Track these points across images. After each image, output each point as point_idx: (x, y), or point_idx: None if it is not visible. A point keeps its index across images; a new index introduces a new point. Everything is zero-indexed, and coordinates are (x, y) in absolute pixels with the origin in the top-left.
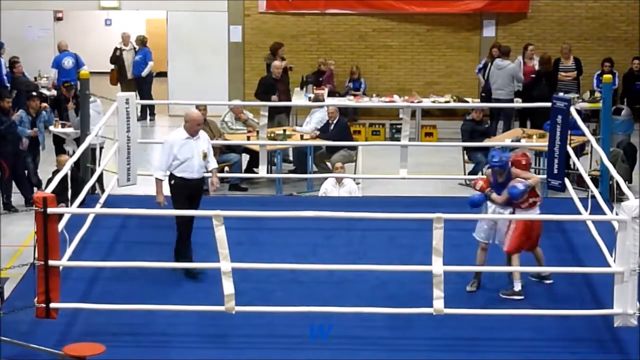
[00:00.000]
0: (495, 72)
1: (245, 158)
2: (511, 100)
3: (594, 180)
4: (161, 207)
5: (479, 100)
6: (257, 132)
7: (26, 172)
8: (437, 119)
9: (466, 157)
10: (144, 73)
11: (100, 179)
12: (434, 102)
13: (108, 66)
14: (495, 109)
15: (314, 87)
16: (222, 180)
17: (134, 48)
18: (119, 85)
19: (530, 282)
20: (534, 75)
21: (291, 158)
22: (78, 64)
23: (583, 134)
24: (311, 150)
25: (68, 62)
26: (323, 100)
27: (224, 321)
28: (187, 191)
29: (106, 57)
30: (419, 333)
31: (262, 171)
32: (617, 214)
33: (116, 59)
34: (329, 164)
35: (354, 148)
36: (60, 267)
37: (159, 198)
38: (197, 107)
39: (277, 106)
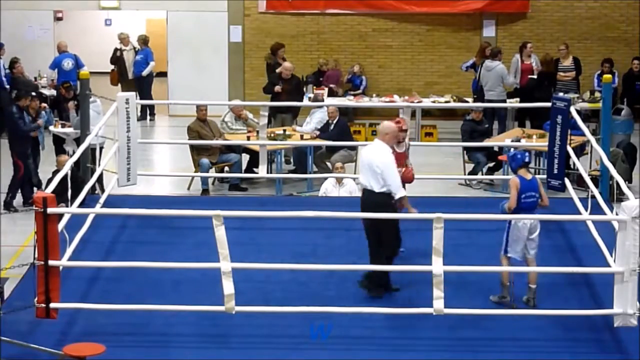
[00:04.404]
0: (485, 73)
1: (245, 158)
2: (503, 101)
3: (594, 180)
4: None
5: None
6: (257, 132)
7: None
8: (437, 119)
9: (466, 157)
10: (145, 73)
11: (100, 179)
12: (434, 102)
13: (108, 66)
14: (488, 109)
15: (314, 87)
16: (222, 180)
17: (134, 48)
18: (119, 85)
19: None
20: (534, 76)
21: (291, 158)
22: (78, 64)
23: (583, 134)
24: (311, 150)
25: (68, 64)
26: (323, 100)
27: (224, 321)
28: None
29: (106, 57)
30: (419, 333)
31: (262, 171)
32: (617, 214)
33: (116, 59)
34: (329, 164)
35: (354, 148)
36: (60, 267)
37: (412, 210)
38: (197, 107)
39: (279, 106)
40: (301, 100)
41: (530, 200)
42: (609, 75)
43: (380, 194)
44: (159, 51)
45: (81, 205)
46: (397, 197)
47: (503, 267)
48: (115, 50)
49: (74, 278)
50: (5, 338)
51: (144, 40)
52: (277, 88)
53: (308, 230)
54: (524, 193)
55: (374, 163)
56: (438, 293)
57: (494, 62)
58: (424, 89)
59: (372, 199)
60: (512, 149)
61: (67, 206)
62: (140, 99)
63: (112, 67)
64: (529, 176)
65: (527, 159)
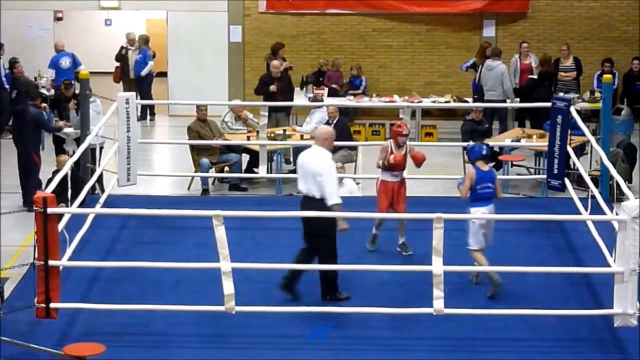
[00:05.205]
0: (486, 73)
1: (245, 158)
2: (503, 101)
3: (594, 180)
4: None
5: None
6: (257, 132)
7: None
8: (437, 119)
9: (466, 157)
10: (143, 73)
11: (100, 179)
12: (434, 102)
13: (108, 66)
14: (488, 109)
15: (314, 87)
16: (222, 180)
17: (139, 48)
18: (121, 83)
19: (530, 284)
20: (535, 77)
21: (291, 158)
22: (75, 63)
23: (583, 134)
24: None
25: (65, 62)
26: (322, 100)
27: (224, 321)
28: None
29: (106, 57)
30: (419, 333)
31: (262, 171)
32: (617, 214)
33: (121, 57)
34: None
35: (354, 148)
36: (60, 267)
37: (342, 225)
38: (198, 107)
39: (275, 104)
40: (293, 97)
41: (486, 191)
42: (609, 75)
43: (322, 200)
44: (159, 51)
45: (81, 205)
46: (330, 204)
47: (494, 267)
48: (121, 48)
49: (74, 278)
50: (5, 338)
51: (144, 40)
52: (273, 87)
53: None
54: (479, 184)
55: (315, 169)
56: (438, 293)
57: (495, 61)
58: (424, 89)
59: (313, 206)
60: (470, 142)
61: (67, 206)
62: (140, 98)
63: (117, 64)
64: (485, 168)
65: (484, 152)
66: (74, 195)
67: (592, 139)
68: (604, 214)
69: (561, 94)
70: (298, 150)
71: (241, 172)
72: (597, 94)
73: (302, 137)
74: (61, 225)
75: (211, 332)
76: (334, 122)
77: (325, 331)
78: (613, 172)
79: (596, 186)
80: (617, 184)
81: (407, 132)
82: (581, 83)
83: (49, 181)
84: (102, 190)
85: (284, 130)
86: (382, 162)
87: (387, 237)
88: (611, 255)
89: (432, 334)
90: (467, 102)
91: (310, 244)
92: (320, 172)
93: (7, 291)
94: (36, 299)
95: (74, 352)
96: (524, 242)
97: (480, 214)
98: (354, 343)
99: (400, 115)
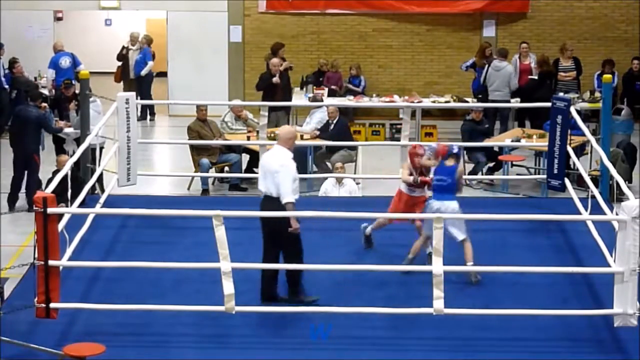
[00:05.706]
0: (493, 73)
1: (245, 158)
2: (508, 102)
3: (594, 180)
4: (297, 233)
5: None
6: (257, 132)
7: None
8: (437, 119)
9: (466, 157)
10: (143, 72)
11: (100, 179)
12: (434, 102)
13: (108, 66)
14: (491, 109)
15: (314, 87)
16: (222, 180)
17: (140, 48)
18: (121, 83)
19: (530, 284)
20: (535, 77)
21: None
22: (75, 63)
23: (583, 134)
24: (311, 150)
25: (65, 62)
26: (322, 101)
27: (224, 321)
28: None
29: (106, 57)
30: (419, 333)
31: None
32: (617, 214)
33: (122, 57)
34: (329, 164)
35: (354, 148)
36: (60, 267)
37: (294, 225)
38: (198, 107)
39: (274, 104)
40: (291, 96)
41: (440, 184)
42: (609, 75)
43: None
44: (159, 51)
45: (81, 205)
46: (283, 202)
47: (498, 267)
48: (123, 47)
49: (74, 278)
50: (5, 338)
51: (147, 40)
52: (275, 79)
53: (308, 230)
54: (436, 175)
55: (273, 168)
56: (438, 293)
57: (502, 62)
58: (424, 89)
59: (272, 205)
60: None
61: (67, 206)
62: (140, 98)
63: (119, 64)
64: (450, 163)
65: (455, 150)
66: (74, 195)
67: (592, 139)
68: (604, 214)
69: (561, 94)
70: (298, 150)
71: (241, 172)
72: (597, 94)
73: (302, 137)
74: (61, 225)
75: (211, 332)
76: (334, 122)
77: (325, 331)
78: (613, 172)
79: (596, 186)
80: (617, 184)
81: (423, 152)
82: (581, 83)
83: (49, 181)
84: (102, 190)
85: None
86: (414, 174)
87: (387, 237)
88: (611, 255)
89: (432, 334)
90: (467, 102)
91: (272, 245)
92: (277, 170)
93: (7, 291)
94: (36, 299)
95: (74, 352)
96: (524, 242)
97: (430, 205)
98: (354, 343)
99: (400, 115)
